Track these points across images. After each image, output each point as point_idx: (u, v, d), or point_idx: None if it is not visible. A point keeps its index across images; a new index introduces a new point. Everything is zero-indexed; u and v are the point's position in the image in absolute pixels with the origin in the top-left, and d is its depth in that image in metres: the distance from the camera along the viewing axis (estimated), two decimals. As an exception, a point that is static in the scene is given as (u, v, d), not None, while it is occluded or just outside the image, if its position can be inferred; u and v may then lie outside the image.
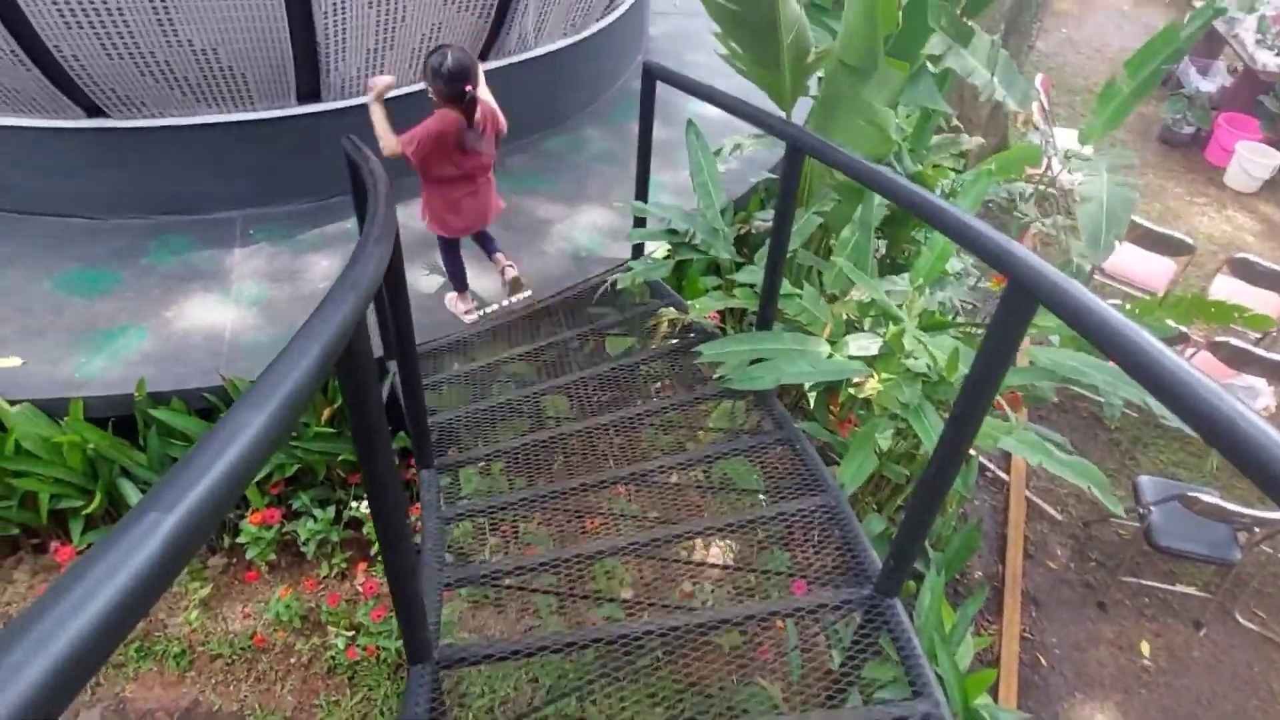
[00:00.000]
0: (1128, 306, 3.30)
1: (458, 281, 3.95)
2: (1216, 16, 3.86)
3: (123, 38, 3.52)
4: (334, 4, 3.75)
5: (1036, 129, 3.97)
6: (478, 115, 3.38)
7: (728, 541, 3.42)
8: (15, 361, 3.51)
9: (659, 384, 3.76)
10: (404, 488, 3.80)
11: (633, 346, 3.85)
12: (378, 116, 3.33)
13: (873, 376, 2.82)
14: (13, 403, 3.31)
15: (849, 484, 2.67)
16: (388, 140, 3.31)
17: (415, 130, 3.29)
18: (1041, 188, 4.16)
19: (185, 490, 0.75)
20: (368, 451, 1.53)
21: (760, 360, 2.90)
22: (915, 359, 2.74)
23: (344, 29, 3.91)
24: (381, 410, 1.51)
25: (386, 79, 3.36)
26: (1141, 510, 3.83)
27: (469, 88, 3.22)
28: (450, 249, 3.85)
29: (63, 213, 4.26)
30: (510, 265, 3.96)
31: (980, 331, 3.11)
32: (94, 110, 3.91)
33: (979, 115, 6.51)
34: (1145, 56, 3.97)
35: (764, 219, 4.11)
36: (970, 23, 3.18)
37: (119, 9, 3.40)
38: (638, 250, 4.13)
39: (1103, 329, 1.32)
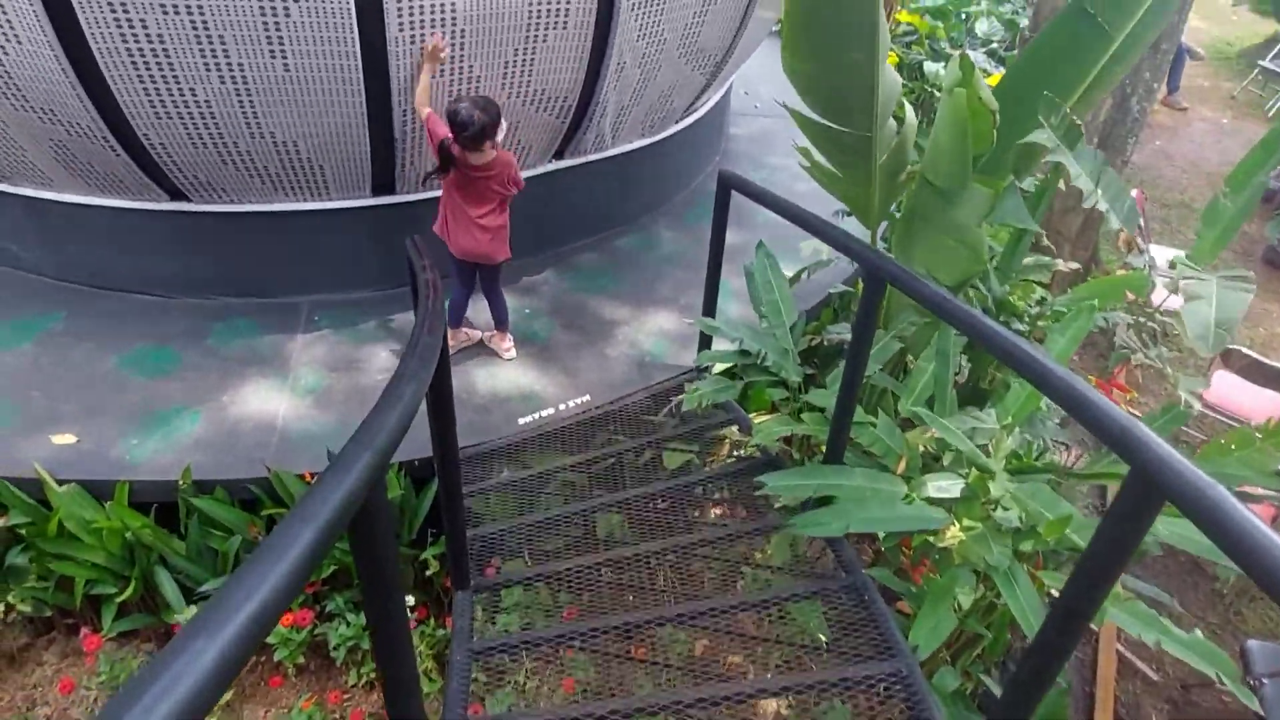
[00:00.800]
0: (1221, 441, 2.96)
1: (452, 314, 4.00)
2: None
3: (209, 129, 3.60)
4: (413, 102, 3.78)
5: (1142, 251, 3.70)
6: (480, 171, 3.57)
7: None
8: (70, 439, 3.50)
9: (717, 506, 3.53)
10: (442, 594, 3.62)
11: (691, 462, 3.64)
12: (424, 75, 3.61)
13: (953, 524, 2.55)
14: (61, 482, 3.28)
15: (923, 647, 2.38)
16: (420, 99, 3.61)
17: (437, 121, 3.54)
18: (1142, 319, 3.86)
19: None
20: (380, 614, 1.35)
21: (828, 498, 2.67)
22: (1005, 510, 2.46)
23: (422, 125, 3.93)
24: (396, 571, 1.34)
25: (441, 41, 3.58)
26: (1251, 681, 3.37)
27: (454, 142, 3.44)
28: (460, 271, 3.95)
29: (136, 289, 4.33)
30: (509, 349, 4.15)
31: (1080, 483, 2.82)
32: (176, 194, 3.99)
33: (1068, 228, 6.24)
34: (1247, 169, 3.71)
35: (837, 332, 3.91)
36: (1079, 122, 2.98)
37: (206, 102, 3.47)
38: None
39: (1253, 551, 1.08)
